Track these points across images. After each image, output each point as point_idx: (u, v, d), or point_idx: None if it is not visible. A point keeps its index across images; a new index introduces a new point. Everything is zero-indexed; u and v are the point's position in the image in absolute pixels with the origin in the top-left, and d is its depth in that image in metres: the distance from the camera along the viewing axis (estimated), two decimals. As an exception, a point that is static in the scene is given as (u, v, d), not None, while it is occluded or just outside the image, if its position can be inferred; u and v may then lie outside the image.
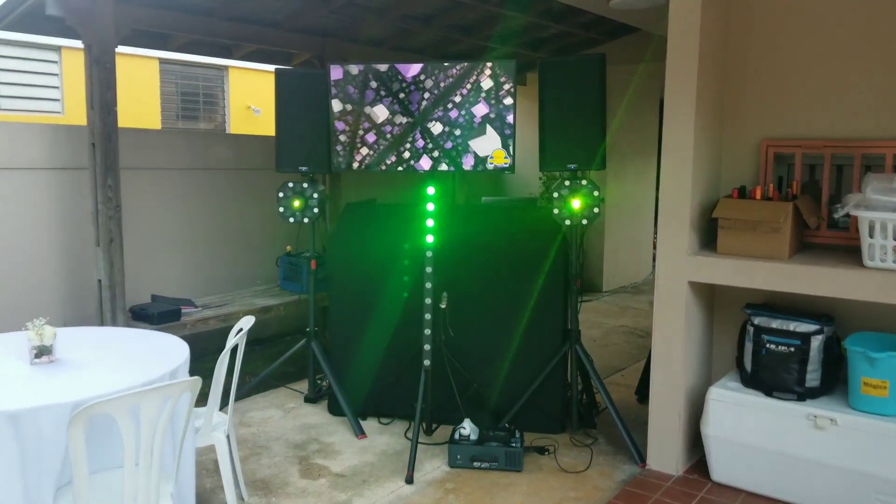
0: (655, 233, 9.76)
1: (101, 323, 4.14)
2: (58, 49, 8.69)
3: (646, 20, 5.16)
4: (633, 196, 8.18)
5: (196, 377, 2.28)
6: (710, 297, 3.71)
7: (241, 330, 3.02)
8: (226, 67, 10.44)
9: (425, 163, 3.59)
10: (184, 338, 4.77)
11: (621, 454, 3.77)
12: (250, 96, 10.55)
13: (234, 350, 3.00)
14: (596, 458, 3.71)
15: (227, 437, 3.07)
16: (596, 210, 3.63)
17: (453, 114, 3.52)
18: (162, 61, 9.57)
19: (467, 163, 3.55)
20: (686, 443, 3.56)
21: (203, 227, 5.32)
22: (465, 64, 3.49)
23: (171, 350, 2.80)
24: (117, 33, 3.95)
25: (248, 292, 5.28)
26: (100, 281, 4.09)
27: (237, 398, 4.38)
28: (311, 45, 5.34)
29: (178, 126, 10.11)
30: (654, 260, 9.64)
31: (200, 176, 5.27)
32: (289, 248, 5.40)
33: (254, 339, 5.68)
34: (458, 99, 3.51)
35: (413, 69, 3.53)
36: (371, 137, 3.62)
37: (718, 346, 3.80)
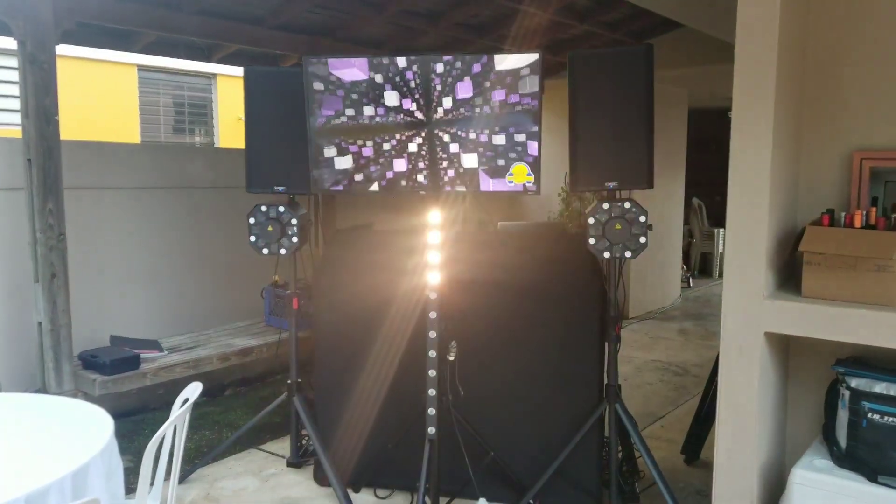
0: (684, 255, 9.04)
1: (43, 373, 3.45)
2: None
3: (694, 15, 4.44)
4: (661, 215, 7.47)
5: (93, 498, 1.57)
6: (785, 347, 2.97)
7: (186, 401, 2.31)
8: (214, 75, 9.71)
9: (426, 181, 2.88)
10: (144, 390, 4.11)
11: (674, 541, 3.03)
12: (241, 107, 9.81)
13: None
14: (643, 548, 2.97)
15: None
16: (643, 240, 2.91)
17: (467, 122, 2.81)
18: (141, 68, 8.82)
19: (483, 182, 2.84)
20: (759, 533, 2.80)
21: (176, 255, 4.63)
22: (485, 57, 2.78)
23: (87, 432, 2.10)
24: (57, 27, 3.29)
25: (228, 330, 4.58)
26: (40, 324, 3.40)
27: (207, 462, 3.66)
28: (299, 46, 4.67)
29: (161, 141, 9.42)
30: (682, 282, 8.91)
31: (173, 196, 4.59)
32: (276, 277, 4.70)
33: (239, 379, 4.97)
34: (473, 102, 2.80)
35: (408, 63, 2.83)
36: (356, 149, 2.91)
37: (794, 409, 3.06)
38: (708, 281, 9.76)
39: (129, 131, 8.81)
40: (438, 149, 2.84)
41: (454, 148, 2.82)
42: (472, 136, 2.81)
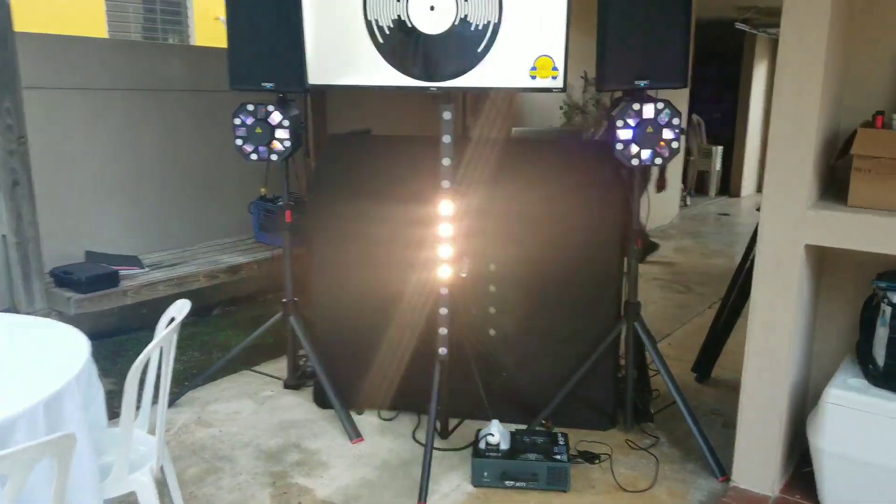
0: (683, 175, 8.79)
1: (11, 291, 3.18)
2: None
3: None
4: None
5: (66, 434, 1.34)
6: (820, 261, 2.77)
7: (172, 320, 2.07)
8: (188, -30, 9.00)
9: (433, 75, 2.56)
10: (125, 309, 3.85)
11: (691, 461, 2.91)
12: (219, 6, 9.02)
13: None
14: (661, 468, 2.84)
15: (162, 468, 2.16)
16: (675, 145, 2.64)
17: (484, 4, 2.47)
18: (107, -41, 8.11)
19: (501, 77, 2.52)
20: (784, 455, 2.68)
21: (155, 164, 4.29)
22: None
23: (61, 355, 1.85)
24: None
25: (214, 246, 4.30)
26: (4, 237, 3.11)
27: (198, 384, 3.46)
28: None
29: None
30: (682, 201, 8.70)
31: (149, 98, 4.21)
32: (263, 189, 4.38)
33: (228, 298, 4.73)
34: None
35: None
36: (358, 40, 2.57)
37: (822, 326, 2.88)
38: (704, 199, 9.58)
39: (95, 27, 8.09)
40: (455, 36, 2.51)
41: (471, 35, 2.49)
42: (488, 21, 2.47)
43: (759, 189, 10.49)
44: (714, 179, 9.75)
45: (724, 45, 9.23)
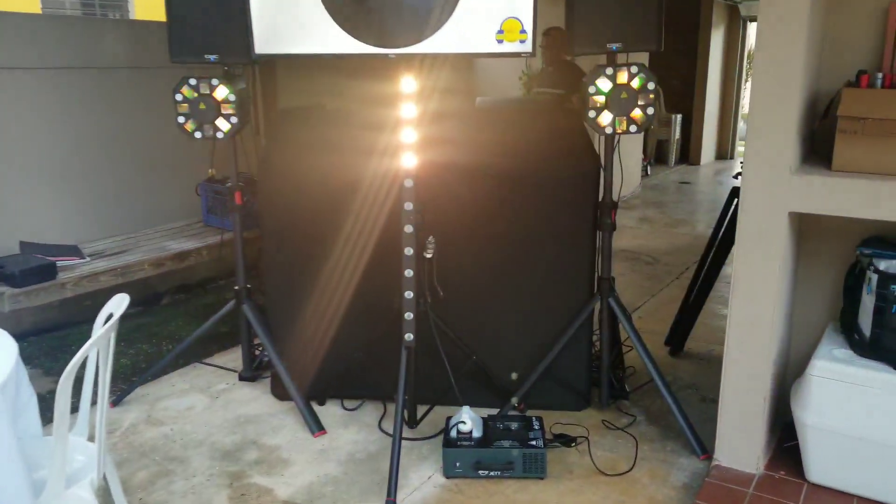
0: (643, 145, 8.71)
1: (-64, 288, 2.89)
2: None
3: None
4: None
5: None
6: (798, 228, 2.67)
7: (110, 316, 1.85)
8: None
9: (391, 41, 2.35)
10: (66, 302, 3.59)
11: (671, 440, 2.82)
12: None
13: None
14: (640, 449, 2.74)
15: (105, 478, 1.95)
16: (651, 111, 2.49)
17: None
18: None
19: (461, 41, 2.33)
20: (767, 430, 2.60)
21: (94, 148, 3.99)
22: None
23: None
24: None
25: (160, 232, 4.04)
26: (-76, 230, 2.81)
27: (146, 380, 3.23)
28: None
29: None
30: (643, 171, 8.65)
31: (87, 78, 3.91)
32: (211, 171, 4.12)
33: (176, 286, 4.47)
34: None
35: None
36: (308, 4, 2.35)
37: (802, 294, 2.79)
38: (665, 168, 9.55)
39: (26, 2, 7.57)
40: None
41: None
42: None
43: (718, 157, 10.53)
44: (673, 148, 9.72)
45: (681, 12, 9.16)
